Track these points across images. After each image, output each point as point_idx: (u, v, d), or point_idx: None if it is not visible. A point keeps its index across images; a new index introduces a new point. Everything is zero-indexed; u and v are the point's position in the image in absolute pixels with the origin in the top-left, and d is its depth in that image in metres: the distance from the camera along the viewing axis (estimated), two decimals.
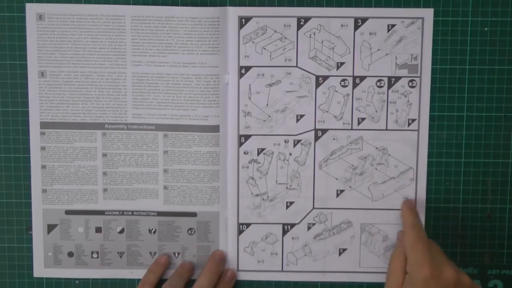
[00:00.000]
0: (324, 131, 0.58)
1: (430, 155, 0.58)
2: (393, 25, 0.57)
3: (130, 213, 0.59)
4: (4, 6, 0.57)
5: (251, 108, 0.58)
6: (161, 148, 0.58)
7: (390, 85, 0.58)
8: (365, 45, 0.57)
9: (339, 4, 0.57)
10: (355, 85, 0.58)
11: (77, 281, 0.60)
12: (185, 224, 0.59)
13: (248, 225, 0.59)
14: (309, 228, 0.59)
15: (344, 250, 0.59)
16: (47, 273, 0.60)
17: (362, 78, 0.57)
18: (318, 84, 0.58)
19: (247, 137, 0.58)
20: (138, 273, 0.59)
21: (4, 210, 0.59)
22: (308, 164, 0.58)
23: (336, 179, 0.58)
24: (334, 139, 0.58)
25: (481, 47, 0.57)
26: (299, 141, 0.58)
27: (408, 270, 0.50)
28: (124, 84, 0.57)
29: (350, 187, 0.58)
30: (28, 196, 0.59)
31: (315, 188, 0.59)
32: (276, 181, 0.59)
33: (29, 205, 0.59)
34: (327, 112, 0.58)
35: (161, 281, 0.58)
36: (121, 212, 0.59)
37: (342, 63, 0.57)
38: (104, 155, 0.58)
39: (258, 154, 0.58)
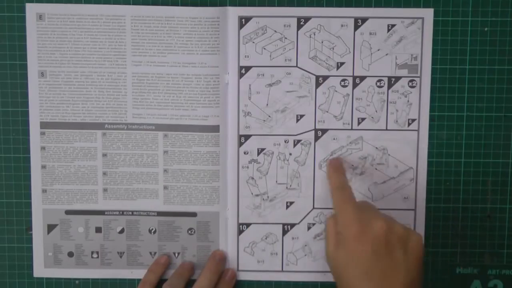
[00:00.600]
0: (324, 131, 0.58)
1: (430, 155, 0.58)
2: (393, 25, 0.57)
3: (130, 213, 0.59)
4: (4, 6, 0.57)
5: (251, 108, 0.58)
6: (161, 148, 0.58)
7: (390, 85, 0.58)
8: (365, 45, 0.57)
9: (339, 4, 0.57)
10: (355, 85, 0.58)
11: (77, 281, 0.60)
12: (185, 224, 0.59)
13: (248, 225, 0.59)
14: (309, 228, 0.59)
15: None
16: (47, 273, 0.60)
17: (362, 78, 0.57)
18: (318, 84, 0.58)
19: (247, 137, 0.58)
20: (138, 273, 0.59)
21: (4, 210, 0.59)
22: (308, 164, 0.58)
23: None
24: (334, 139, 0.58)
25: (481, 47, 0.57)
26: (299, 141, 0.58)
27: (339, 230, 0.50)
28: (124, 84, 0.57)
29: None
30: (28, 196, 0.59)
31: (315, 188, 0.59)
32: (276, 181, 0.59)
33: (29, 205, 0.59)
34: (327, 112, 0.58)
35: (161, 281, 0.58)
36: (121, 212, 0.59)
37: (342, 63, 0.57)
38: (104, 155, 0.58)
39: (258, 154, 0.58)
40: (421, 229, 0.58)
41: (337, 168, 0.56)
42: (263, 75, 0.57)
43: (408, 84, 0.57)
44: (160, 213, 0.59)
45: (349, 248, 0.48)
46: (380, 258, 0.47)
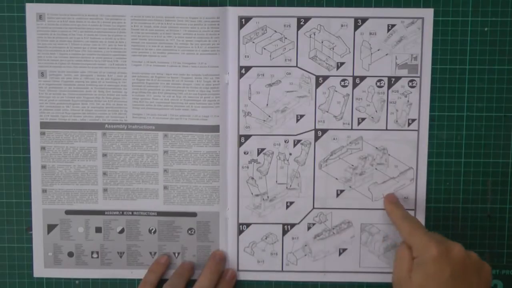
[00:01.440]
0: (324, 131, 0.58)
1: (430, 155, 0.58)
2: (393, 25, 0.57)
3: (130, 213, 0.59)
4: (4, 6, 0.57)
5: (251, 108, 0.58)
6: (161, 148, 0.58)
7: (390, 85, 0.58)
8: (365, 45, 0.57)
9: (339, 4, 0.57)
10: (355, 85, 0.58)
11: (77, 281, 0.60)
12: (185, 224, 0.59)
13: (248, 225, 0.59)
14: (309, 228, 0.59)
15: (344, 250, 0.59)
16: (47, 273, 0.60)
17: (362, 78, 0.58)
18: (318, 84, 0.58)
19: (247, 137, 0.58)
20: (138, 273, 0.59)
21: (4, 210, 0.59)
22: (308, 164, 0.58)
23: (336, 179, 0.58)
24: (334, 139, 0.58)
25: (481, 47, 0.57)
26: (299, 141, 0.58)
27: (416, 255, 0.50)
28: (124, 84, 0.57)
29: (350, 187, 0.58)
30: (28, 196, 0.59)
31: (315, 188, 0.59)
32: (276, 181, 0.59)
33: (29, 205, 0.59)
34: (327, 112, 0.58)
35: (161, 281, 0.58)
36: (121, 212, 0.59)
37: (342, 63, 0.57)
38: (104, 155, 0.58)
39: (258, 154, 0.58)
40: None
41: (395, 202, 0.57)
42: (263, 75, 0.57)
43: (408, 84, 0.57)
44: (160, 213, 0.59)
45: (427, 271, 0.48)
46: (457, 281, 0.48)
